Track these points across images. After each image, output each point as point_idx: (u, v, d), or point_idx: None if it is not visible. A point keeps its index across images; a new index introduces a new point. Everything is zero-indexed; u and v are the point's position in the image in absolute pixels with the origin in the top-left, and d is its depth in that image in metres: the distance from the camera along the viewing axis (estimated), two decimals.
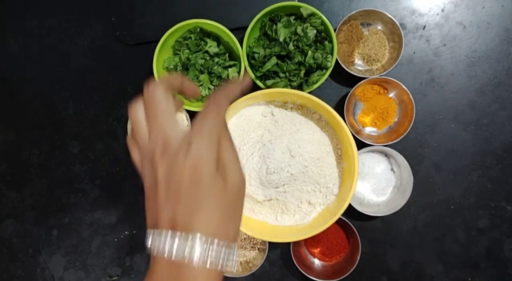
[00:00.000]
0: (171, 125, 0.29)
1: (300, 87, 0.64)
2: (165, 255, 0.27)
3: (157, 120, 0.29)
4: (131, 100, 0.75)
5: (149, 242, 0.28)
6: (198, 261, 0.27)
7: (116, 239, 0.72)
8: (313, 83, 0.62)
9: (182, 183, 0.28)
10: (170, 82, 0.31)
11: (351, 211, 0.65)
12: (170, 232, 0.27)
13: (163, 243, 0.27)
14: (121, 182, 0.72)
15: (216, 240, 0.27)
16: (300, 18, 0.63)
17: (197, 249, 0.27)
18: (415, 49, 0.69)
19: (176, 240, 0.27)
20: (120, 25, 0.71)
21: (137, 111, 0.30)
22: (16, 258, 0.74)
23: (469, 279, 0.68)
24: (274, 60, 0.62)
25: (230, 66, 0.65)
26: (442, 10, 0.68)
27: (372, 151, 0.68)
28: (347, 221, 0.65)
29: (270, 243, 0.68)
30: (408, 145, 0.69)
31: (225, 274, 0.31)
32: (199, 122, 0.29)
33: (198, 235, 0.27)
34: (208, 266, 0.27)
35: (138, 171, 0.31)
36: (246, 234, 0.67)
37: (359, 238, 0.64)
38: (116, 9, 0.71)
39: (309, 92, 0.64)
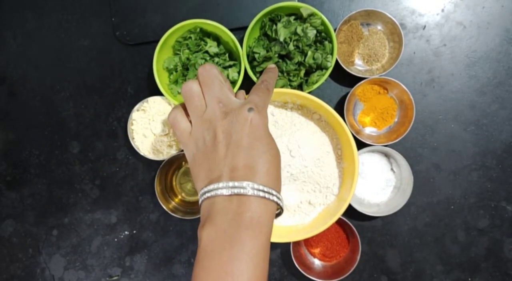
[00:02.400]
0: (228, 95, 0.34)
1: (300, 87, 0.64)
2: (224, 195, 0.30)
3: (214, 91, 0.34)
4: (131, 100, 0.75)
5: (205, 196, 0.31)
6: (257, 194, 0.30)
7: (116, 239, 0.72)
8: (313, 83, 0.62)
9: (243, 140, 0.32)
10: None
11: (351, 211, 0.65)
12: (229, 182, 0.30)
13: (221, 190, 0.30)
14: (121, 182, 0.72)
15: (271, 190, 0.31)
16: (300, 18, 0.63)
17: (255, 192, 0.30)
18: (415, 49, 0.69)
19: (236, 184, 0.30)
20: (120, 25, 0.71)
21: (192, 87, 0.34)
22: (16, 258, 0.74)
23: (469, 279, 0.68)
24: (275, 59, 0.61)
25: (230, 66, 0.65)
26: (442, 10, 0.68)
27: (372, 151, 0.68)
28: (347, 221, 0.65)
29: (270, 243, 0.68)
30: (408, 145, 0.69)
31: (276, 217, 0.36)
32: (255, 94, 0.35)
33: (256, 184, 0.30)
34: (265, 197, 0.31)
35: (183, 141, 0.35)
36: None
37: (359, 238, 0.64)
38: (116, 9, 0.71)
39: (309, 92, 0.64)
